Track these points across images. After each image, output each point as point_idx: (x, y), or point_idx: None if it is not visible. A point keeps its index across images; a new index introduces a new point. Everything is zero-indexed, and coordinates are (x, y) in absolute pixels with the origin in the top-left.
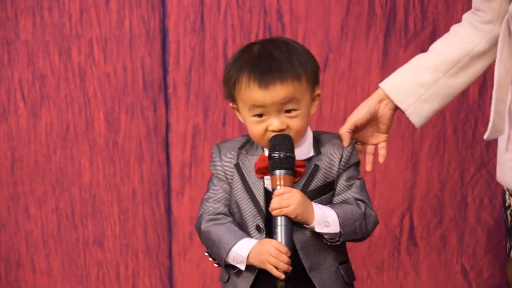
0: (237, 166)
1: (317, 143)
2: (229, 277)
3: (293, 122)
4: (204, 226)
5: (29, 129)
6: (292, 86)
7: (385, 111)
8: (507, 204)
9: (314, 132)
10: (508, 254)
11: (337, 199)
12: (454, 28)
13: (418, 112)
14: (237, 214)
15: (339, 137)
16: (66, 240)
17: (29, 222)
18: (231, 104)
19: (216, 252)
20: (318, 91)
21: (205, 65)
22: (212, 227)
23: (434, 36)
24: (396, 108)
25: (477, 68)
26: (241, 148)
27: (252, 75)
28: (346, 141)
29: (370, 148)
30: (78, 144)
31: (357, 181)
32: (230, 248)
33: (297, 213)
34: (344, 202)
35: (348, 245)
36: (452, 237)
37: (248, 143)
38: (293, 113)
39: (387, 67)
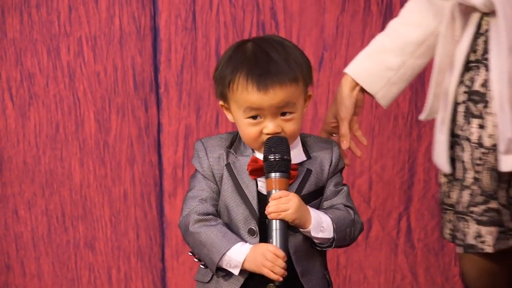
0: (228, 167)
1: (305, 146)
2: (211, 277)
3: (288, 126)
4: (193, 227)
5: (17, 129)
6: (290, 90)
7: (359, 96)
8: (439, 182)
9: (300, 135)
10: (442, 234)
11: (325, 204)
12: (411, 4)
13: (387, 95)
14: (225, 215)
15: (325, 140)
16: (56, 243)
17: (19, 225)
18: (221, 103)
19: (206, 255)
20: (309, 92)
21: (197, 64)
22: (202, 228)
23: None
24: (365, 91)
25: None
26: (229, 147)
27: (250, 77)
28: (347, 142)
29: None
30: (68, 145)
31: (344, 187)
32: (225, 253)
33: (295, 217)
34: (335, 207)
35: (344, 247)
36: None
37: (235, 142)
38: (288, 116)
39: None
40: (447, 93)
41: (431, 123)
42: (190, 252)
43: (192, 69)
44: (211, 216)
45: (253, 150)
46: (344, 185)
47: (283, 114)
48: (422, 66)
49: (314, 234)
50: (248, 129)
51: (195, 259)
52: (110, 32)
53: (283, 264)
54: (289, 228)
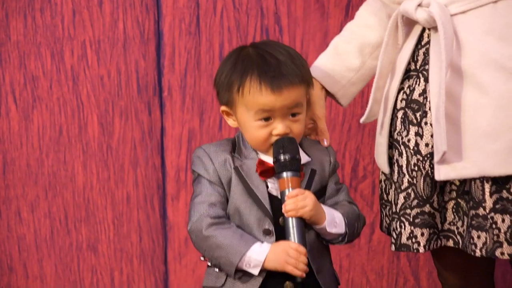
0: (237, 170)
1: (302, 148)
2: (225, 281)
3: (296, 126)
4: (207, 230)
5: (21, 132)
6: (299, 90)
7: (325, 97)
8: (380, 179)
9: None
10: (380, 227)
11: (329, 202)
12: (367, 7)
13: (346, 95)
14: (237, 219)
15: (318, 142)
16: (59, 245)
17: (22, 227)
18: (223, 108)
19: (224, 257)
20: (308, 95)
21: (201, 68)
22: (217, 231)
23: None
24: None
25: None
26: (232, 151)
27: (263, 79)
28: (328, 139)
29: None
30: (71, 147)
31: (344, 185)
32: (244, 253)
33: (312, 214)
34: (340, 204)
35: (347, 250)
36: None
37: (236, 146)
38: (296, 117)
39: None
40: (386, 98)
41: None
42: (202, 257)
43: (196, 73)
44: (224, 219)
45: (256, 153)
46: (342, 183)
47: (293, 115)
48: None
49: (328, 229)
50: (257, 132)
51: (209, 264)
52: (114, 36)
53: (305, 260)
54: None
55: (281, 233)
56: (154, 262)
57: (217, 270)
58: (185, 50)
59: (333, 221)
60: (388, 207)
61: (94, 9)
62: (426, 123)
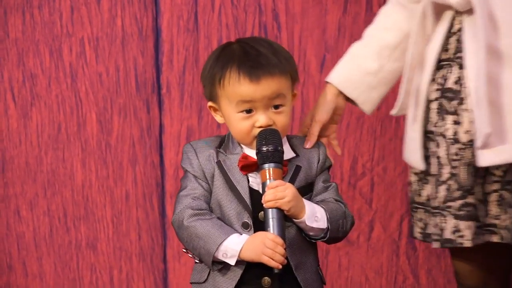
0: (219, 164)
1: (292, 145)
2: (208, 275)
3: (279, 118)
4: (188, 221)
5: (19, 129)
6: (280, 81)
7: (341, 103)
8: (409, 181)
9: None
10: (411, 233)
11: (316, 199)
12: (385, 10)
13: (368, 100)
14: (218, 212)
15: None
16: (58, 243)
17: (21, 225)
18: (210, 104)
19: (202, 247)
20: (295, 91)
21: (199, 65)
22: (198, 221)
23: None
24: (347, 98)
25: None
26: (218, 147)
27: (242, 70)
28: (311, 142)
29: (324, 140)
30: (70, 145)
31: (333, 183)
32: (221, 242)
33: (291, 205)
34: (326, 201)
35: (346, 249)
36: None
37: (223, 142)
38: (280, 109)
39: None
40: (418, 90)
41: None
42: (184, 249)
43: (194, 70)
44: (205, 211)
45: (242, 148)
46: (332, 182)
47: (275, 107)
48: (400, 69)
49: (309, 223)
50: (240, 124)
51: (190, 255)
52: (112, 33)
53: (283, 251)
54: (284, 220)
55: (260, 228)
56: (153, 260)
57: (197, 261)
58: (184, 47)
59: (314, 215)
60: (422, 210)
61: (92, 6)
62: (464, 110)
